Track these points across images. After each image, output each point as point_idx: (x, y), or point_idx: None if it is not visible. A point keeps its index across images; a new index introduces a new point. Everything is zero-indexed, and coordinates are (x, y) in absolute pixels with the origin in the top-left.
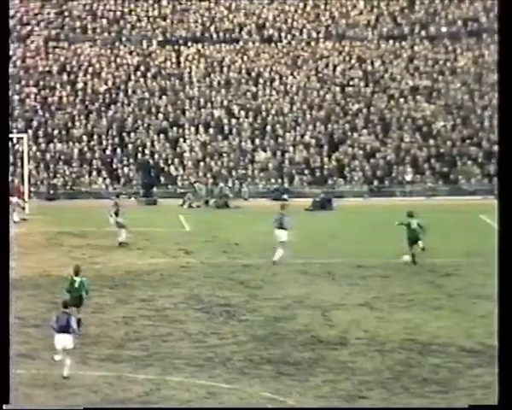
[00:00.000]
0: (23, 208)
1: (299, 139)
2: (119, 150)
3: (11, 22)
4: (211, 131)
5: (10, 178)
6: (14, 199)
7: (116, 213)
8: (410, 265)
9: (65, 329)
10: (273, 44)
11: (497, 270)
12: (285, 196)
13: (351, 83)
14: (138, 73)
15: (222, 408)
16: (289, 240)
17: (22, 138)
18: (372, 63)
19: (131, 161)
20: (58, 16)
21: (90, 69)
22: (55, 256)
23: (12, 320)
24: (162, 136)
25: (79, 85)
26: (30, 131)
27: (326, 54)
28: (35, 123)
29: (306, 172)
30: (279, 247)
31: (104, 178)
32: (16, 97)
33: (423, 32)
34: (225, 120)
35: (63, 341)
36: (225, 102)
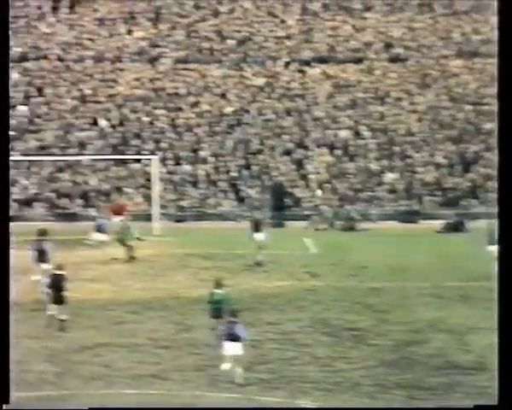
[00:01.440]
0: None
1: (429, 159)
2: (244, 172)
3: (143, 44)
4: (336, 152)
5: (114, 199)
6: (116, 219)
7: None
8: None
9: (233, 337)
10: (401, 63)
11: (497, 270)
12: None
13: (484, 101)
14: (263, 94)
15: (223, 408)
16: (420, 263)
17: (152, 160)
18: None
19: (257, 182)
20: (187, 37)
21: (216, 90)
22: (183, 278)
23: (143, 341)
24: (287, 157)
25: (206, 107)
26: (159, 153)
27: (457, 72)
28: (164, 144)
29: (437, 193)
30: None
31: (229, 200)
32: (146, 119)
33: None
34: (351, 141)
35: (232, 349)
36: (351, 123)
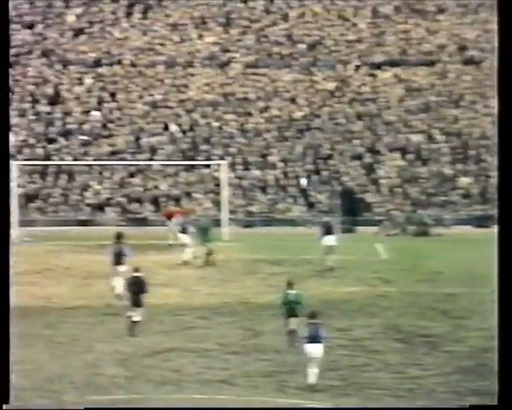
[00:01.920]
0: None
1: None
2: (314, 177)
3: (213, 49)
4: (409, 156)
5: (172, 203)
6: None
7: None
8: None
9: (315, 339)
10: (475, 65)
11: (496, 270)
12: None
13: None
14: (334, 98)
15: (222, 408)
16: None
17: (221, 165)
18: None
19: (326, 187)
20: (257, 42)
21: (286, 95)
22: (252, 283)
23: (212, 346)
24: (357, 162)
25: (275, 112)
26: (228, 158)
27: None
28: (233, 149)
29: None
30: None
31: (299, 205)
32: (216, 124)
33: None
34: (424, 145)
35: (314, 350)
36: (424, 127)
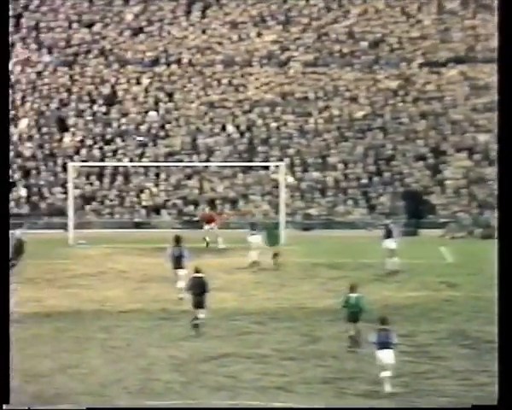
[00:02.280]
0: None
1: None
2: (375, 178)
3: (272, 47)
4: (475, 156)
5: (205, 207)
6: (207, 226)
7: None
8: None
9: (386, 345)
10: None
11: (496, 269)
12: None
13: None
14: (397, 98)
15: (222, 408)
16: None
17: (279, 167)
18: None
19: (389, 189)
20: (317, 40)
21: (347, 94)
22: (310, 288)
23: (269, 352)
24: (421, 162)
25: (335, 111)
26: (286, 160)
27: None
28: (291, 151)
29: None
30: None
31: (360, 208)
32: (274, 124)
33: None
34: (491, 145)
35: (385, 357)
36: (491, 126)
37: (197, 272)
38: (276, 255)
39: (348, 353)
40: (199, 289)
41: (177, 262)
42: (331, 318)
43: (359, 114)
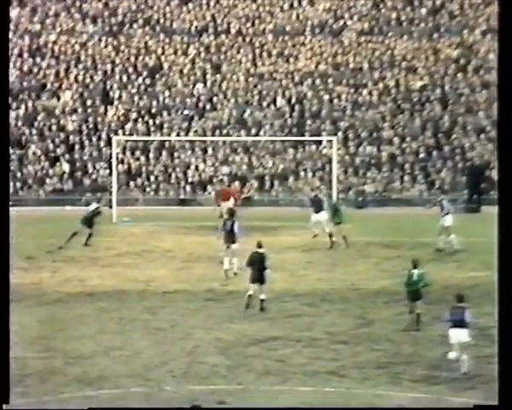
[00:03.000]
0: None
1: None
2: (434, 153)
3: (325, 16)
4: None
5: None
6: (223, 204)
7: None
8: None
9: (460, 323)
10: None
11: (497, 269)
12: None
13: None
14: (458, 67)
15: (225, 408)
16: None
17: (331, 141)
18: None
19: (449, 164)
20: (373, 8)
21: (404, 64)
22: (364, 269)
23: (320, 335)
24: (483, 136)
25: (391, 83)
26: (339, 134)
27: None
28: (345, 124)
29: None
30: None
31: (418, 184)
32: (326, 97)
33: None
34: None
35: (458, 335)
36: None
37: (259, 247)
38: (331, 235)
39: (405, 336)
40: (259, 264)
41: (230, 236)
42: (386, 299)
43: (417, 84)
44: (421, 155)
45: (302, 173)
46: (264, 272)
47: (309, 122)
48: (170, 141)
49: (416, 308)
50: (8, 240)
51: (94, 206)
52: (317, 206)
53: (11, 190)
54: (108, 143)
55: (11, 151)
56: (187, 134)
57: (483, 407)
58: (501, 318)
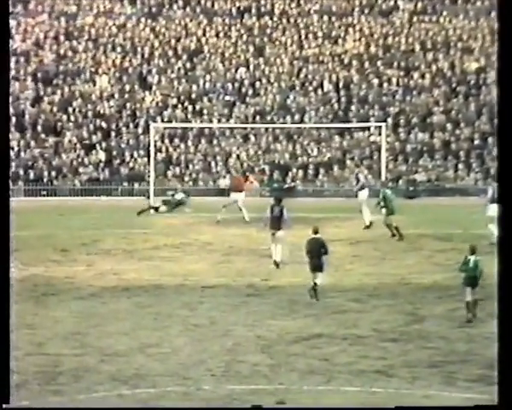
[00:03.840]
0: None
1: None
2: (490, 139)
3: None
4: None
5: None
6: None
7: None
8: None
9: None
10: None
11: (496, 269)
12: None
13: None
14: None
15: (221, 408)
16: None
17: (380, 128)
18: None
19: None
20: None
21: (459, 45)
22: (414, 262)
23: (367, 333)
24: None
25: (445, 64)
26: (389, 120)
27: None
28: (395, 110)
29: None
30: None
31: (473, 172)
32: (375, 81)
33: None
34: None
35: None
36: None
37: (315, 232)
38: (390, 226)
39: (459, 333)
40: (317, 251)
41: (277, 222)
42: (439, 295)
43: (473, 67)
44: (477, 142)
45: (349, 162)
46: (322, 258)
47: (356, 107)
48: (210, 128)
49: (471, 295)
50: (9, 236)
51: (181, 195)
52: (360, 186)
53: (45, 179)
54: (146, 130)
55: (46, 138)
56: (228, 121)
57: (483, 407)
58: (501, 318)
